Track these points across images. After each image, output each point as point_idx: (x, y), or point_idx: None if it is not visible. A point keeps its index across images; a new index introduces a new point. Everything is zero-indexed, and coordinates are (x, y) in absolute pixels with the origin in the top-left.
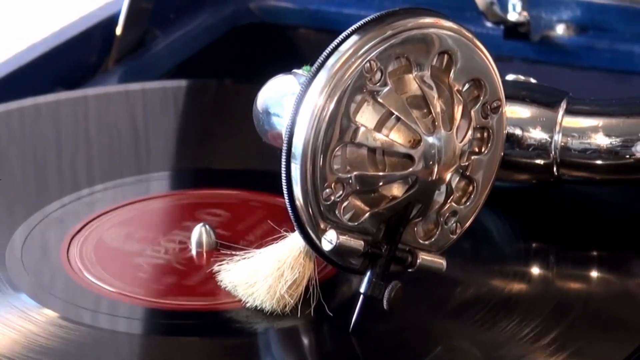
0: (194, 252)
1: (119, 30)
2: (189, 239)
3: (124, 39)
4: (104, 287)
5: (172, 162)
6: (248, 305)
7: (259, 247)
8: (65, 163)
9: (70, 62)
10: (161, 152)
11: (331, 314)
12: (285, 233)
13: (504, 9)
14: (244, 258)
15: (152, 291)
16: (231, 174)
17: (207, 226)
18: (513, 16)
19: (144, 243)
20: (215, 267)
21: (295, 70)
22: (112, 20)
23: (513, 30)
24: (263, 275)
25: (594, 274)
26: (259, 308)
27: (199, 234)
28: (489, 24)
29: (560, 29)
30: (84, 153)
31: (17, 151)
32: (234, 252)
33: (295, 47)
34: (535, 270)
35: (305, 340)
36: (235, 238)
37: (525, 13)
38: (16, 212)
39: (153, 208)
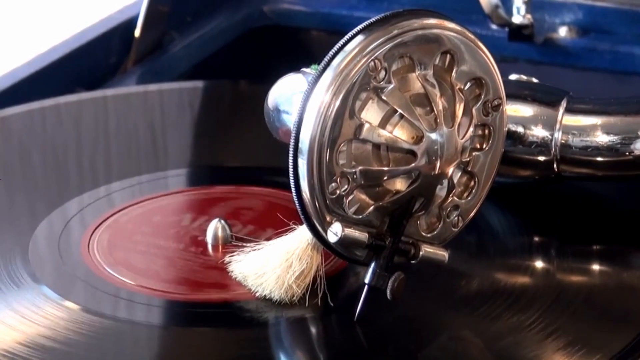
0: (210, 246)
1: (137, 33)
2: (205, 233)
3: (143, 41)
4: (122, 279)
5: (189, 160)
6: (257, 295)
7: (269, 239)
8: (86, 161)
9: (91, 63)
10: (178, 150)
11: (332, 304)
12: (293, 226)
13: (509, 12)
14: (254, 250)
15: (169, 283)
16: (245, 171)
17: (222, 221)
18: (517, 19)
19: (161, 237)
20: (227, 258)
21: (303, 69)
22: (131, 23)
23: (517, 33)
24: (272, 266)
25: (594, 266)
26: (267, 298)
27: (215, 228)
28: (494, 27)
29: (563, 32)
30: (103, 151)
31: (39, 149)
32: (246, 244)
33: (307, 49)
34: (538, 264)
35: (313, 329)
36: (249, 231)
37: (529, 16)
38: (38, 208)
39: (170, 204)
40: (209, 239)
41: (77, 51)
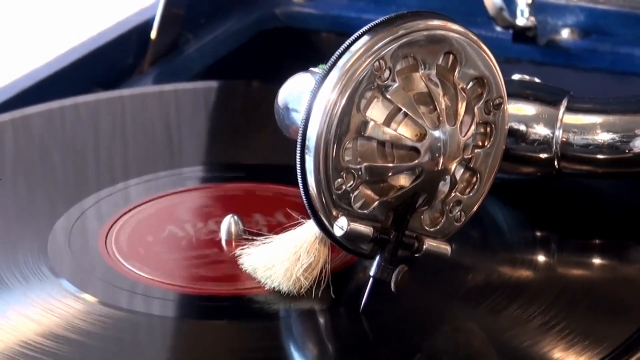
0: (223, 241)
1: (153, 34)
2: (219, 228)
3: (159, 43)
4: (139, 273)
5: (203, 157)
6: (266, 287)
7: (278, 233)
8: (103, 158)
9: (108, 64)
10: (193, 148)
11: (334, 296)
12: (302, 220)
13: (513, 14)
14: (264, 243)
15: (183, 277)
16: (256, 168)
17: (235, 217)
18: (521, 21)
19: (176, 233)
20: (237, 251)
21: (312, 69)
22: (147, 25)
23: (521, 34)
24: (281, 259)
25: (596, 260)
26: (276, 290)
27: (228, 224)
28: (498, 28)
29: (565, 33)
30: (120, 149)
31: (58, 147)
32: (256, 238)
33: (317, 50)
34: (540, 258)
35: (320, 320)
36: (261, 227)
37: (532, 18)
38: (57, 204)
39: (185, 200)
40: (222, 234)
41: (95, 52)
